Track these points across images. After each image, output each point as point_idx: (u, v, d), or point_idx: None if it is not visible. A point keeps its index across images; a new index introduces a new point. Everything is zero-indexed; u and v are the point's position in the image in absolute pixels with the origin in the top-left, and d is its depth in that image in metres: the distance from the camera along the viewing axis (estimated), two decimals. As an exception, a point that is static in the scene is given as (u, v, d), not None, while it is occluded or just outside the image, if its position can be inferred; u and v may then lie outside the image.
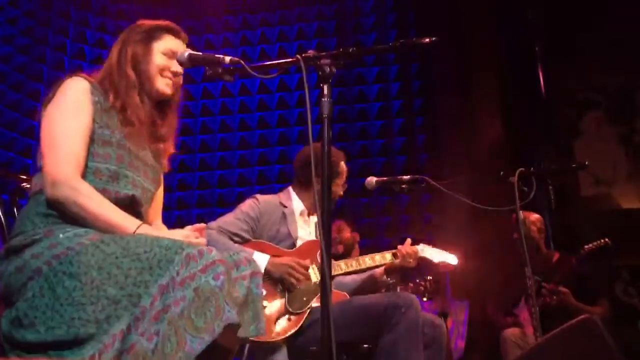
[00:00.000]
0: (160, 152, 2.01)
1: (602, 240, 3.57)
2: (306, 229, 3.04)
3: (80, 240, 1.61)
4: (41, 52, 5.05)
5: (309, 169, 2.96)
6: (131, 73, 1.92)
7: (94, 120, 1.81)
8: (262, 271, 2.69)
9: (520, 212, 2.60)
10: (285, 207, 3.01)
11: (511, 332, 3.66)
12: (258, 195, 3.07)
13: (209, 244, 2.66)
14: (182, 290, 1.47)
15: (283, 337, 2.68)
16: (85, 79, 1.86)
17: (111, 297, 1.49)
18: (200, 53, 1.82)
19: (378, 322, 2.56)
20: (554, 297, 3.57)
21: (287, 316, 2.73)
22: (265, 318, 2.56)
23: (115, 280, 1.51)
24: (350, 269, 3.01)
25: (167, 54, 1.97)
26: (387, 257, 3.08)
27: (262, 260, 2.76)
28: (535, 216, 3.97)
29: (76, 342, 1.47)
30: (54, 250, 1.59)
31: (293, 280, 2.76)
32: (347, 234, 3.97)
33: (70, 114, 1.78)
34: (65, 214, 1.69)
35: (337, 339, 2.48)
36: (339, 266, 2.98)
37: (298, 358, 2.73)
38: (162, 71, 1.96)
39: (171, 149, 2.05)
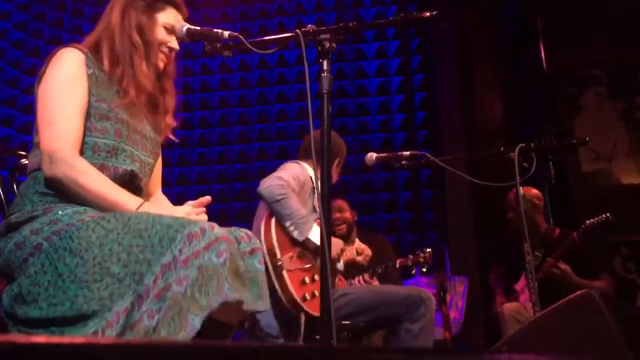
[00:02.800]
0: (160, 124, 1.97)
1: (604, 216, 3.56)
2: None
3: (80, 217, 1.60)
4: (38, 28, 5.01)
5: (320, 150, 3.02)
6: (137, 39, 1.85)
7: (90, 94, 1.77)
8: (318, 244, 2.77)
9: (520, 188, 2.60)
10: (312, 181, 3.02)
11: (510, 307, 3.69)
12: (299, 161, 3.07)
13: (281, 200, 2.70)
14: (185, 269, 1.47)
15: None
16: (79, 49, 1.81)
17: (114, 275, 1.49)
18: (199, 27, 1.80)
19: (401, 309, 2.88)
20: (555, 272, 3.59)
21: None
22: (317, 293, 2.71)
23: (117, 257, 1.51)
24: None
25: (167, 28, 1.91)
26: (351, 252, 3.19)
27: (318, 235, 2.79)
28: (533, 192, 3.95)
29: (79, 319, 1.47)
30: (53, 227, 1.59)
31: (341, 261, 2.93)
32: (347, 213, 3.98)
33: (66, 88, 1.74)
34: (64, 192, 1.68)
35: (360, 319, 2.86)
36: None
37: (314, 333, 2.78)
38: (160, 45, 1.91)
39: (173, 122, 2.01)
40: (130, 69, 1.83)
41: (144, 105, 1.89)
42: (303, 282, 2.70)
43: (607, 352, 1.89)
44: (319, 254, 2.81)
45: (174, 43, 1.93)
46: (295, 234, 2.75)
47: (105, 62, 1.83)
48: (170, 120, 2.00)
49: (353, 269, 3.36)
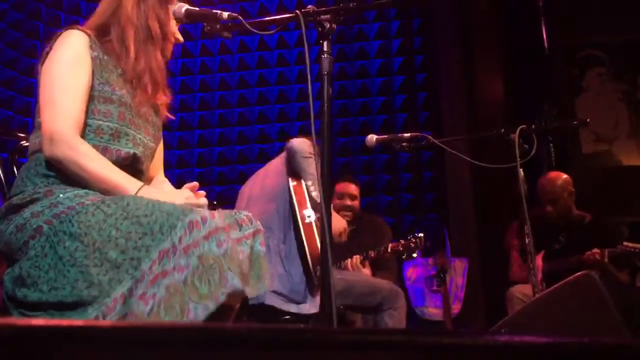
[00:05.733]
0: (159, 105, 1.97)
1: None
2: None
3: (81, 200, 1.60)
4: (36, 8, 4.97)
5: None
6: (158, 31, 1.84)
7: (94, 77, 1.76)
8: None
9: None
10: None
11: (518, 289, 3.70)
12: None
13: (310, 158, 2.83)
14: (186, 257, 1.46)
15: None
16: (84, 32, 1.80)
17: (112, 261, 1.49)
18: (198, 8, 1.79)
19: (381, 298, 3.25)
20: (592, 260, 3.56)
21: None
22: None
23: (115, 243, 1.50)
24: None
25: (175, 19, 1.91)
26: None
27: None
28: (566, 178, 3.89)
29: (79, 304, 1.48)
30: (54, 210, 1.58)
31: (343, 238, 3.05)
32: (357, 202, 3.99)
33: (69, 69, 1.73)
34: (64, 173, 1.67)
35: (345, 301, 3.10)
36: None
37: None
38: (172, 36, 1.91)
39: (169, 97, 1.99)
40: (149, 62, 1.83)
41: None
42: None
43: (606, 333, 1.90)
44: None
45: (178, 34, 1.94)
46: (314, 194, 2.83)
47: (132, 51, 1.81)
48: (166, 98, 1.97)
49: None
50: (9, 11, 4.77)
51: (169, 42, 1.90)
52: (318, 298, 2.82)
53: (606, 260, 3.55)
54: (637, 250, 3.51)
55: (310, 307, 2.80)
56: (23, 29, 4.85)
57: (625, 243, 3.56)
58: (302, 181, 2.89)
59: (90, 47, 1.78)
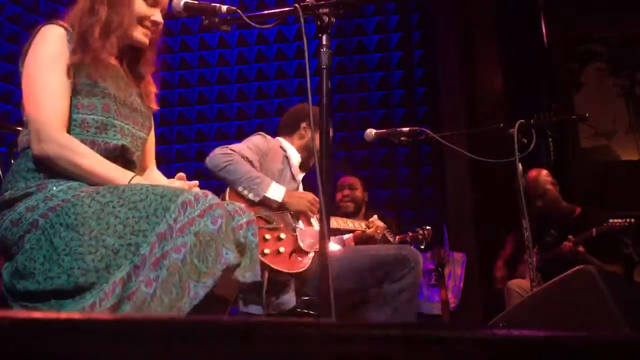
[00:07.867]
0: (145, 92, 1.95)
1: (628, 220, 3.55)
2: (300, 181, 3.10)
3: (75, 193, 1.61)
4: (35, 2, 4.96)
5: (301, 124, 3.08)
6: (103, 13, 1.80)
7: (73, 70, 1.75)
8: (280, 201, 2.81)
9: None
10: (285, 151, 3.06)
11: (516, 283, 3.71)
12: (263, 133, 3.11)
13: (226, 167, 2.73)
14: (182, 236, 1.48)
15: (298, 271, 2.73)
16: (61, 26, 1.78)
17: (110, 247, 1.50)
18: (196, 1, 1.78)
19: (385, 270, 2.80)
20: (579, 258, 3.58)
21: (297, 253, 2.79)
22: (284, 250, 2.74)
23: (114, 229, 1.51)
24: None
25: (148, 1, 1.87)
26: (362, 225, 3.19)
27: (279, 191, 2.82)
28: (545, 171, 3.96)
29: (77, 291, 1.49)
30: (49, 203, 1.59)
31: (314, 213, 2.87)
32: (359, 192, 4.00)
33: (49, 66, 1.72)
34: (55, 169, 1.68)
35: (344, 284, 2.76)
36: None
37: (301, 300, 2.81)
38: (141, 20, 1.86)
39: (154, 88, 1.98)
40: (93, 42, 1.78)
41: (125, 77, 1.86)
42: (263, 239, 2.71)
43: (604, 327, 1.91)
44: (285, 210, 2.84)
45: (157, 16, 1.89)
46: (250, 196, 2.78)
47: (76, 40, 1.78)
48: (152, 88, 1.97)
49: (364, 241, 3.33)
50: (7, 4, 4.75)
51: (126, 26, 1.83)
52: (292, 293, 2.76)
53: (580, 248, 3.58)
54: (624, 224, 3.53)
55: (289, 301, 2.75)
56: (21, 23, 4.84)
57: (611, 220, 3.58)
58: (226, 194, 2.83)
59: (68, 40, 1.77)
